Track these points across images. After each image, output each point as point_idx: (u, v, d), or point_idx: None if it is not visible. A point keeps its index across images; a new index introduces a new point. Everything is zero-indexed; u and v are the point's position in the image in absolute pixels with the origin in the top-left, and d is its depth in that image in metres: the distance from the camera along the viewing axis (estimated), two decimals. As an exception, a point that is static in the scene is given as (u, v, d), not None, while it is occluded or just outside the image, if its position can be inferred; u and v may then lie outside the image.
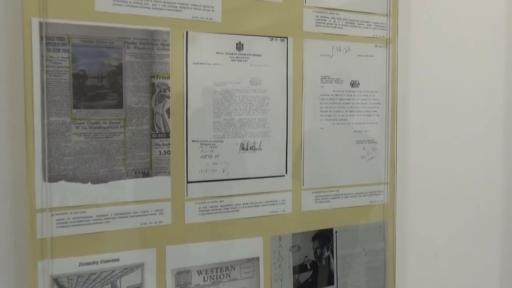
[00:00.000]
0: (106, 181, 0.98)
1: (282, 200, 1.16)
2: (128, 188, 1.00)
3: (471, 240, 1.53)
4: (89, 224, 0.97)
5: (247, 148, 1.11)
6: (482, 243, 1.56)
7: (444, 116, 1.44)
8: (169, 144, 1.03)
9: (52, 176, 0.94)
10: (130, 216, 1.01)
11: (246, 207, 1.12)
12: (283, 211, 1.16)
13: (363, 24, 1.24)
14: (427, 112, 1.40)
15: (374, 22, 1.25)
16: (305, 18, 1.16)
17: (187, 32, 1.04)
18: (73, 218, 0.96)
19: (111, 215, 0.99)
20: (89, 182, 0.97)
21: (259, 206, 1.13)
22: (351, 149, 1.23)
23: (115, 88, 0.98)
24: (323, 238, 1.22)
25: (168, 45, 1.02)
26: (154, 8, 1.01)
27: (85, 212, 0.97)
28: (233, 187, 1.11)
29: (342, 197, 1.23)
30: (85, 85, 0.95)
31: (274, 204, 1.15)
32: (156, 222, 1.03)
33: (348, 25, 1.22)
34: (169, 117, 1.03)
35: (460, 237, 1.50)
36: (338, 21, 1.20)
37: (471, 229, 1.53)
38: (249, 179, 1.12)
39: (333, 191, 1.22)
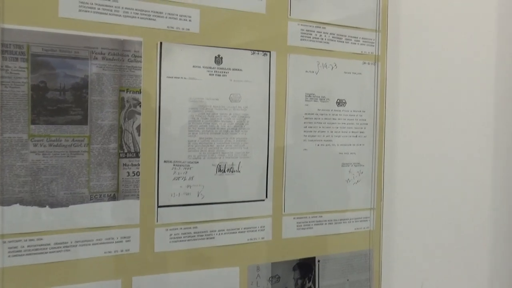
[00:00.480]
0: (67, 205, 0.88)
1: (261, 227, 1.07)
2: (91, 213, 0.90)
3: (459, 271, 1.45)
4: (46, 253, 0.87)
5: (224, 170, 1.03)
6: (472, 274, 1.49)
7: (434, 138, 1.37)
8: (139, 165, 0.94)
9: (5, 199, 0.84)
10: (93, 244, 0.91)
11: (222, 234, 1.03)
12: (262, 238, 1.08)
13: (350, 40, 1.16)
14: (416, 133, 1.33)
15: (362, 38, 1.18)
16: (289, 31, 1.09)
17: (161, 43, 0.96)
18: (28, 246, 0.86)
19: (71, 242, 0.89)
20: (47, 206, 0.87)
21: (236, 233, 1.04)
22: (336, 172, 1.15)
23: (79, 103, 0.88)
24: (305, 268, 1.13)
25: (140, 56, 0.94)
26: (125, 16, 0.92)
27: (41, 239, 0.87)
28: (209, 212, 1.02)
29: (325, 224, 1.14)
30: (45, 98, 0.85)
31: (252, 231, 1.06)
32: (122, 251, 0.93)
33: (335, 40, 1.14)
34: (139, 135, 0.94)
35: (449, 268, 1.43)
36: (325, 36, 1.13)
37: (460, 259, 1.45)
38: (226, 203, 1.03)
39: (316, 217, 1.13)
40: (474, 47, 1.48)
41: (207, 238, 1.02)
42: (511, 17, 1.58)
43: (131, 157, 0.94)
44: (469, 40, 1.47)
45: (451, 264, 1.44)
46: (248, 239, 1.06)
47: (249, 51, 1.05)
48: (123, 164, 0.93)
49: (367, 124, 1.19)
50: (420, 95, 1.34)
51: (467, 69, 1.46)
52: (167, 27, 0.97)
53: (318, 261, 1.15)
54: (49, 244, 0.88)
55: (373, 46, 1.20)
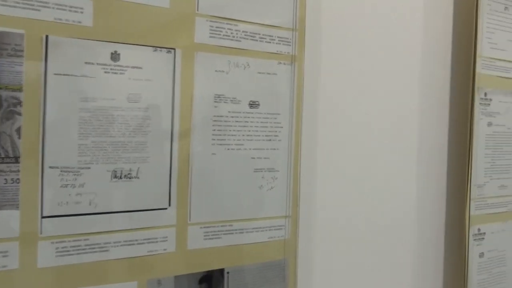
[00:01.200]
0: None
1: (163, 237, 0.99)
2: (-40, 226, 0.80)
3: (382, 282, 1.42)
4: None
5: (121, 176, 0.94)
6: (396, 281, 1.45)
7: (356, 141, 1.32)
8: (19, 171, 0.84)
9: None
10: (-37, 260, 0.81)
11: (118, 246, 0.95)
12: (165, 250, 1.00)
13: (265, 38, 1.10)
14: (336, 138, 1.28)
15: (278, 37, 1.11)
16: (197, 27, 1.01)
17: (47, 36, 0.86)
18: None
19: None
20: None
21: (134, 244, 0.96)
22: (248, 178, 1.09)
23: None
24: (213, 280, 1.06)
25: (22, 50, 0.84)
26: (3, 5, 0.82)
27: None
28: (103, 222, 0.93)
29: (236, 233, 1.08)
30: None
31: (153, 242, 0.98)
32: (-2, 267, 0.84)
33: (248, 38, 1.08)
34: (19, 138, 0.84)
35: (371, 279, 1.39)
36: (237, 33, 1.06)
37: (383, 269, 1.42)
38: (122, 212, 0.95)
39: (226, 226, 1.06)
40: (400, 46, 1.45)
41: (101, 251, 0.93)
42: (437, 14, 1.56)
43: (10, 163, 0.84)
44: (394, 38, 1.44)
45: (373, 274, 1.40)
46: (148, 251, 0.98)
47: (151, 48, 0.97)
48: (0, 170, 0.83)
49: (282, 127, 1.13)
50: (340, 97, 1.29)
51: (392, 68, 1.43)
52: (54, 19, 0.87)
53: (228, 272, 1.08)
54: None
55: (290, 45, 1.14)
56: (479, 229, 1.55)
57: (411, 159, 1.50)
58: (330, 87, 1.27)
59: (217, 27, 1.05)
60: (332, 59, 1.28)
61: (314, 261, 1.26)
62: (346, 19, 1.33)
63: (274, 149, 1.13)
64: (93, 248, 0.93)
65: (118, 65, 0.94)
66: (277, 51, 1.13)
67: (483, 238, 1.56)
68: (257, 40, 1.10)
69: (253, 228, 1.11)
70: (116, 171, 0.94)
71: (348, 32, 1.33)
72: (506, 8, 1.62)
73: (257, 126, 1.11)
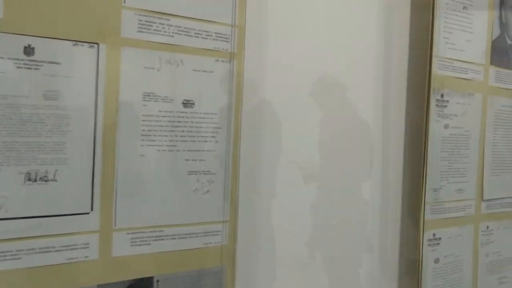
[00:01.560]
0: None
1: (84, 244, 0.93)
2: None
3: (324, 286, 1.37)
4: None
5: (35, 179, 0.88)
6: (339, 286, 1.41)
7: (302, 145, 1.27)
8: None
9: None
10: None
11: (32, 253, 0.89)
12: (86, 257, 0.94)
13: (201, 34, 1.04)
14: (280, 140, 1.23)
15: (215, 33, 1.06)
16: (124, 21, 0.96)
17: (-50, 28, 0.80)
18: None
19: None
20: None
21: (51, 251, 0.90)
22: (182, 181, 1.03)
23: None
24: (141, 289, 1.00)
25: None
26: None
27: None
28: (15, 228, 0.87)
29: (167, 239, 1.02)
30: None
31: (73, 249, 0.92)
32: None
33: (181, 34, 1.02)
34: None
35: (314, 284, 1.34)
36: (169, 28, 1.00)
37: (333, 274, 1.37)
38: (37, 217, 0.89)
39: (156, 231, 1.01)
40: (353, 45, 1.41)
41: (13, 259, 0.87)
42: (393, 12, 1.51)
43: None
44: (347, 37, 1.39)
45: (322, 278, 1.35)
46: (67, 259, 0.92)
47: (70, 42, 0.91)
48: None
49: (219, 128, 1.08)
50: (288, 97, 1.24)
51: (345, 68, 1.38)
52: (-42, 9, 0.81)
53: (157, 281, 1.02)
54: None
55: (228, 42, 1.08)
56: (434, 234, 1.51)
57: (365, 161, 1.46)
58: (274, 86, 1.21)
59: (146, 21, 0.99)
60: (276, 57, 1.23)
61: (254, 269, 1.21)
62: (293, 15, 1.28)
63: (211, 150, 1.08)
64: (5, 256, 0.87)
65: (33, 60, 0.88)
66: (214, 48, 1.07)
67: (438, 243, 1.52)
68: (192, 36, 1.05)
69: (187, 234, 1.06)
70: (30, 173, 0.88)
71: (296, 28, 1.28)
72: (464, 7, 1.58)
73: (192, 127, 1.05)
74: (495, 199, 1.66)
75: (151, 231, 1.01)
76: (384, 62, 1.50)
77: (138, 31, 0.98)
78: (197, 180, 1.06)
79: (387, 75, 1.51)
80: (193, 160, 1.06)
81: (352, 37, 1.41)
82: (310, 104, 1.31)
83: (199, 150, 1.06)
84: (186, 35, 1.04)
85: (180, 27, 1.02)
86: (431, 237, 1.51)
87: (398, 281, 1.55)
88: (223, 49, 1.08)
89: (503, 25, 1.70)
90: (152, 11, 0.99)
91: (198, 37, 1.05)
